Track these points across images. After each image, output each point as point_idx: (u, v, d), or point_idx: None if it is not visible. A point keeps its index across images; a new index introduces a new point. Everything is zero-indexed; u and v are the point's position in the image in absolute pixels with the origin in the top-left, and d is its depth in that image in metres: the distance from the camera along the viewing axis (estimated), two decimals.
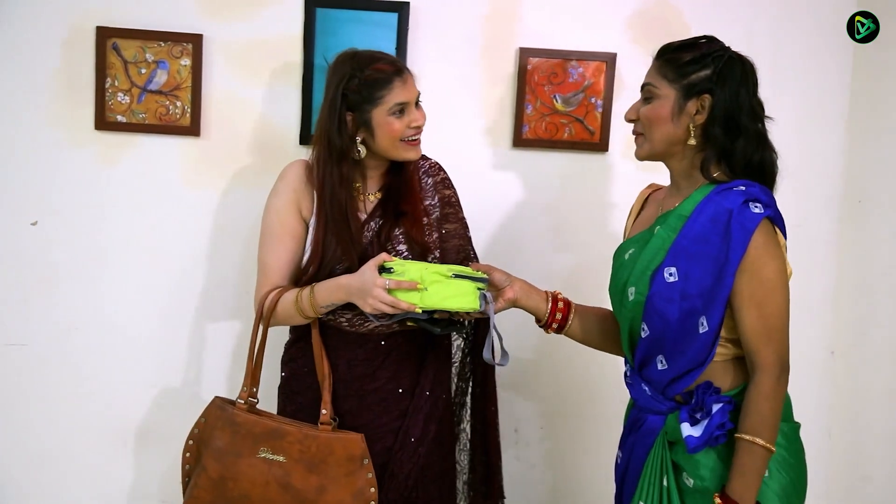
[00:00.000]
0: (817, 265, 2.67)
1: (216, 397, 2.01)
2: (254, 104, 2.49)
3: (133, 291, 2.53)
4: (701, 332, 1.65)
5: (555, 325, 1.96)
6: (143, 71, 2.44)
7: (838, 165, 2.65)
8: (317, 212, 1.97)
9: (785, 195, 2.54)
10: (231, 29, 2.46)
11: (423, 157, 2.10)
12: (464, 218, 2.13)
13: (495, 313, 1.87)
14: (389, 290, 1.77)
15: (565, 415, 2.64)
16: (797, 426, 1.76)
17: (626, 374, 1.89)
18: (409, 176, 2.05)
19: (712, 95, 1.67)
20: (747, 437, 1.60)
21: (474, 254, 2.15)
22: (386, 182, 2.04)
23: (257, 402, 1.98)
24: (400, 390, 2.01)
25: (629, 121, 1.80)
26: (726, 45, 1.74)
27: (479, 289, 1.82)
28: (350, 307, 1.92)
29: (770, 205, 1.66)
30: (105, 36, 2.41)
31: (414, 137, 1.95)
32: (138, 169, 2.49)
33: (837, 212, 2.67)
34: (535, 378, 2.67)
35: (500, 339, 1.90)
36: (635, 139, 1.80)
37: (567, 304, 1.97)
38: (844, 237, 2.68)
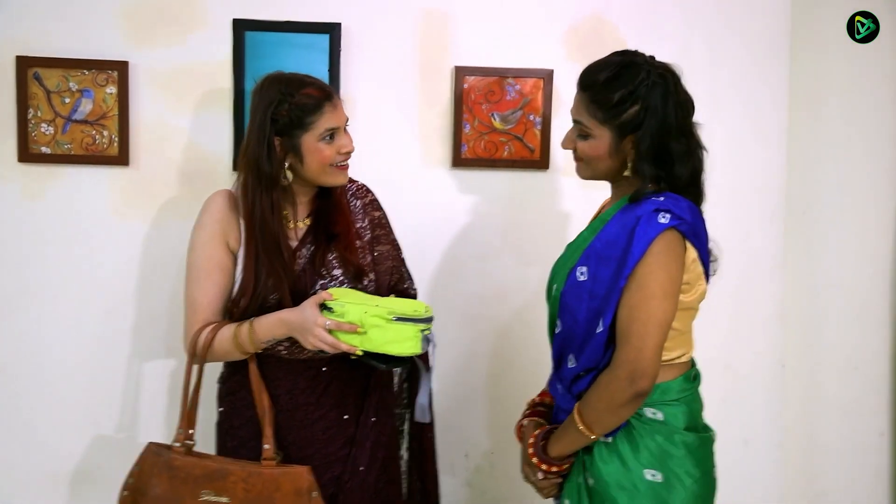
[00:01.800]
0: (764, 278, 2.64)
1: (150, 443, 1.92)
2: (184, 132, 2.42)
3: (62, 329, 2.44)
4: (597, 332, 1.66)
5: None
6: (67, 100, 2.36)
7: (780, 178, 2.63)
8: (246, 242, 1.91)
9: (729, 210, 2.56)
10: (157, 55, 2.40)
11: (350, 180, 2.07)
12: (395, 239, 2.09)
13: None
14: (330, 331, 1.74)
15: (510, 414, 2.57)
16: (705, 437, 1.75)
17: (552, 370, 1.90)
18: (338, 199, 2.00)
19: (641, 129, 1.67)
20: (574, 409, 1.68)
21: (408, 275, 2.12)
22: (314, 207, 1.99)
23: (194, 444, 1.90)
24: (345, 417, 1.96)
25: (567, 149, 1.80)
26: (647, 67, 1.69)
27: (421, 331, 1.77)
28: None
29: (683, 218, 1.64)
30: (26, 65, 2.33)
31: (343, 163, 1.92)
32: (65, 201, 2.41)
33: (782, 225, 2.65)
34: (486, 402, 2.62)
35: (431, 395, 1.86)
36: (576, 163, 1.80)
37: (543, 410, 1.95)
38: (790, 249, 2.66)
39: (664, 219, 1.62)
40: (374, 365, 1.82)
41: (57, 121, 2.36)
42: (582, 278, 1.71)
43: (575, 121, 1.75)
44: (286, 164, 1.88)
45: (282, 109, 1.85)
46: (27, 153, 2.36)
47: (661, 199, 1.65)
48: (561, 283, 1.77)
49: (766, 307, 2.66)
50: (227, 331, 1.85)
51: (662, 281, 1.61)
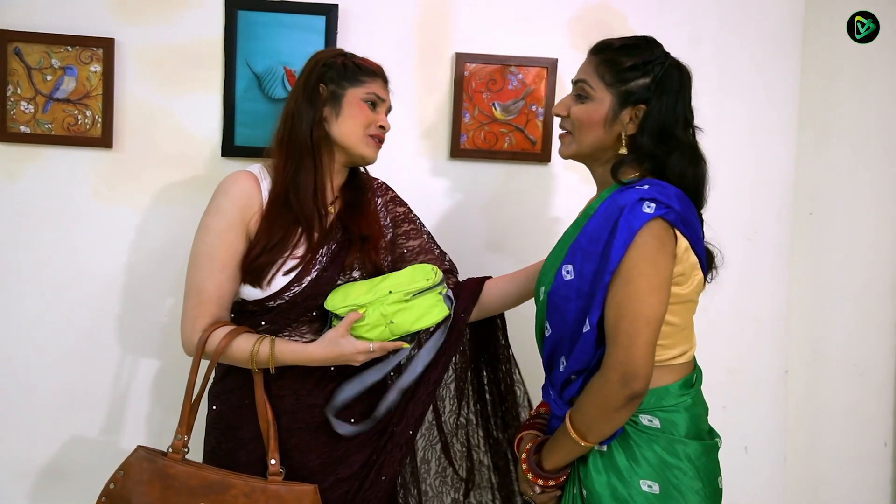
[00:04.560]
0: (769, 280, 2.56)
1: (139, 447, 1.80)
2: (171, 113, 2.32)
3: (40, 321, 2.32)
4: (585, 331, 1.57)
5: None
6: (49, 78, 2.25)
7: (788, 176, 2.55)
8: (269, 201, 1.81)
9: (735, 208, 2.48)
10: (145, 32, 2.29)
11: (370, 178, 2.01)
12: (427, 231, 2.02)
13: None
14: (359, 335, 1.72)
15: None
16: (710, 445, 1.66)
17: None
18: (367, 197, 1.94)
19: (647, 105, 1.60)
20: (566, 417, 1.60)
21: (452, 266, 2.03)
22: (342, 197, 1.91)
23: (188, 452, 1.79)
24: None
25: (558, 115, 1.72)
26: (666, 50, 1.66)
27: (439, 293, 1.76)
28: (294, 326, 1.80)
29: (670, 206, 1.55)
30: (6, 39, 2.23)
31: (376, 135, 1.86)
32: (44, 184, 2.30)
33: (789, 224, 2.57)
34: None
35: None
36: (561, 137, 1.72)
37: (541, 421, 1.86)
38: (796, 251, 2.58)
39: (649, 208, 1.52)
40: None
41: (37, 99, 2.25)
42: (568, 277, 1.61)
43: (577, 81, 1.67)
44: (323, 115, 1.83)
45: (337, 61, 1.85)
46: (5, 132, 2.25)
47: (646, 187, 1.57)
48: (548, 284, 1.68)
49: (770, 309, 2.58)
50: (244, 344, 1.74)
51: (648, 274, 1.51)
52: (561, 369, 1.65)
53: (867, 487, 2.55)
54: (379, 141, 1.88)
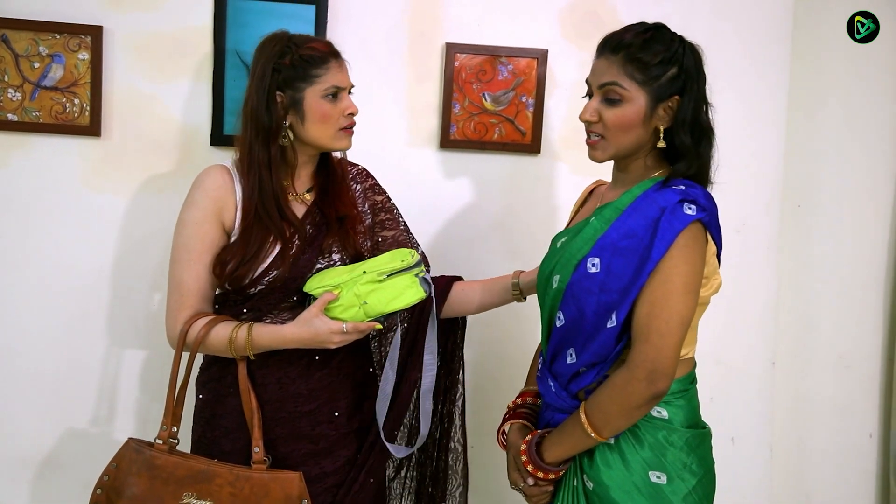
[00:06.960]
0: (757, 271, 2.58)
1: (130, 439, 1.81)
2: (160, 102, 2.31)
3: (29, 312, 2.31)
4: (609, 326, 1.57)
5: None
6: (37, 65, 2.24)
7: (777, 168, 2.56)
8: (242, 213, 1.80)
9: (723, 200, 2.46)
10: (134, 20, 2.28)
11: (350, 164, 1.99)
12: (404, 222, 2.00)
13: None
14: (343, 319, 1.71)
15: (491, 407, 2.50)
16: (705, 433, 1.69)
17: (539, 366, 1.81)
18: (342, 180, 1.91)
19: (681, 96, 1.59)
20: (580, 410, 1.60)
21: (424, 260, 2.00)
22: (316, 183, 1.89)
23: (178, 443, 1.80)
24: (336, 413, 1.85)
25: (587, 122, 1.66)
26: (674, 31, 1.64)
27: (416, 275, 1.75)
28: (275, 313, 1.80)
29: (707, 209, 1.58)
30: None
31: (347, 126, 1.83)
32: (32, 173, 2.28)
33: (777, 216, 2.58)
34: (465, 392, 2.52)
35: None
36: (593, 142, 1.66)
37: (526, 412, 1.87)
38: (784, 242, 2.60)
39: (690, 210, 1.54)
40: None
41: (25, 87, 2.24)
42: (593, 270, 1.60)
43: (605, 84, 1.61)
44: (287, 123, 1.79)
45: (285, 59, 1.77)
46: None
47: (682, 187, 1.58)
48: (567, 274, 1.65)
49: (757, 301, 2.60)
50: (223, 331, 1.74)
51: (686, 276, 1.53)
52: (569, 361, 1.66)
53: (852, 478, 2.58)
54: (351, 128, 1.85)
